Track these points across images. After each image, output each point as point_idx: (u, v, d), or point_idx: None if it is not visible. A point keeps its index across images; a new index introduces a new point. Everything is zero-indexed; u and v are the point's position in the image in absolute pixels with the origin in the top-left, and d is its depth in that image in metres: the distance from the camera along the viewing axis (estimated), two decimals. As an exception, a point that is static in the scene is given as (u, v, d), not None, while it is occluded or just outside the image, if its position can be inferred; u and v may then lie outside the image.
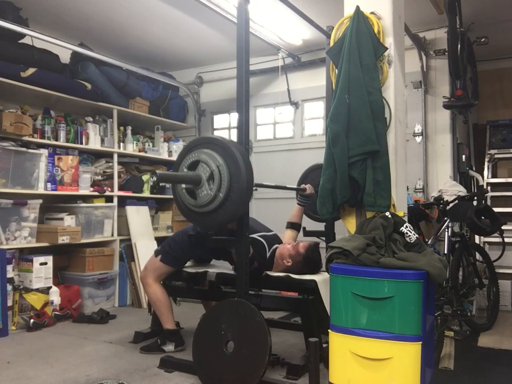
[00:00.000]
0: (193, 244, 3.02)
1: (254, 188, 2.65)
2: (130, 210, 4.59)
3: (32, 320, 3.53)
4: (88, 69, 4.36)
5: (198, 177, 2.41)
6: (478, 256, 3.87)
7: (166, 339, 3.01)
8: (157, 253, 3.10)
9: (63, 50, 4.17)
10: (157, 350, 2.99)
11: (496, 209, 3.81)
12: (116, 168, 4.54)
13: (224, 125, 5.56)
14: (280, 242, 3.15)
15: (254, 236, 2.91)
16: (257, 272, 2.80)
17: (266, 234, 3.11)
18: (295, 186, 3.51)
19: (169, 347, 2.99)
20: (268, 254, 2.98)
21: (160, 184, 4.98)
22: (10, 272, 3.53)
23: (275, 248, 3.04)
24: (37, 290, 3.64)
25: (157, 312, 3.10)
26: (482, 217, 3.62)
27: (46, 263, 3.74)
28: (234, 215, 2.44)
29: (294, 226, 3.34)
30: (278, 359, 2.55)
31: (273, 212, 4.62)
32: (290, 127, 5.09)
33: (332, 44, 2.56)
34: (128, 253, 4.51)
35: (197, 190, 2.43)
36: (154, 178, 2.26)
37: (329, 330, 2.07)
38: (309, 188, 3.41)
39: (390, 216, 2.19)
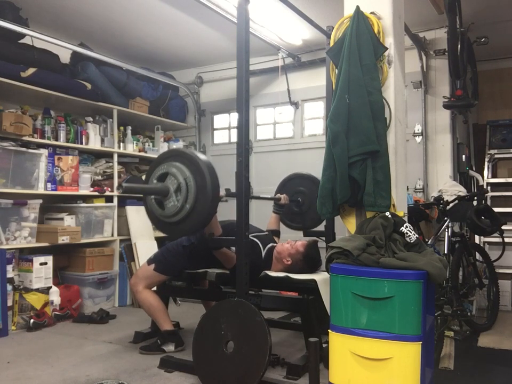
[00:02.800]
0: (188, 254, 3.05)
1: (224, 199, 2.74)
2: (130, 210, 4.59)
3: (32, 320, 3.53)
4: (88, 69, 4.36)
5: (165, 188, 2.53)
6: (478, 256, 3.87)
7: (166, 339, 3.01)
8: (150, 262, 3.10)
9: (63, 50, 4.17)
10: (157, 350, 2.99)
11: (496, 209, 3.81)
12: (116, 168, 4.54)
13: (224, 125, 5.56)
14: (274, 241, 3.18)
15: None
16: (254, 272, 2.80)
17: (259, 234, 3.14)
18: (270, 196, 3.64)
19: (170, 347, 2.99)
20: (264, 253, 3.00)
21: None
22: (10, 272, 3.53)
23: (270, 247, 3.06)
24: (37, 290, 3.64)
25: (152, 317, 3.11)
26: (482, 217, 3.62)
27: (46, 263, 3.74)
28: (200, 225, 2.57)
29: (275, 233, 3.45)
30: (278, 359, 2.56)
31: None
32: (290, 127, 5.09)
33: (331, 43, 2.56)
34: (128, 253, 4.51)
35: (165, 201, 2.55)
36: (120, 190, 2.32)
37: (329, 330, 2.07)
38: (283, 197, 3.57)
39: (390, 216, 2.19)
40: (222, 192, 2.75)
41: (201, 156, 2.56)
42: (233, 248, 2.69)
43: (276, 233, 3.48)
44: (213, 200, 2.47)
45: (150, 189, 2.61)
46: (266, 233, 3.27)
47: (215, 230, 2.74)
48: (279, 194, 3.62)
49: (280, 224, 3.62)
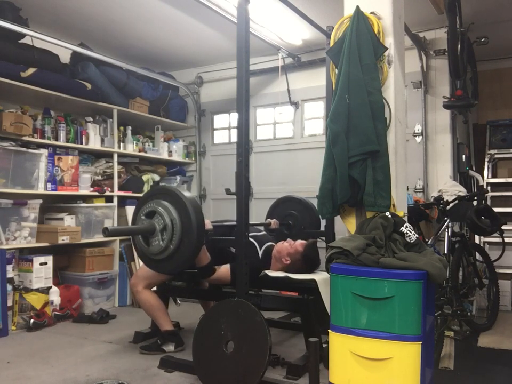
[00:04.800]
0: None
1: (211, 233, 2.84)
2: (130, 210, 4.58)
3: (32, 320, 3.53)
4: (88, 69, 4.36)
5: (152, 227, 2.60)
6: (478, 256, 3.87)
7: (166, 340, 3.01)
8: None
9: (63, 50, 4.17)
10: (157, 350, 2.99)
11: (496, 209, 3.81)
12: (116, 168, 4.54)
13: (224, 125, 5.56)
14: (271, 241, 3.18)
15: None
16: (252, 272, 2.79)
17: (256, 234, 3.14)
18: (260, 222, 3.71)
19: (170, 347, 3.00)
20: (261, 253, 3.00)
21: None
22: (10, 272, 3.53)
23: (268, 246, 3.05)
24: (37, 290, 3.64)
25: (152, 317, 3.11)
26: (482, 217, 3.62)
27: (46, 263, 3.74)
28: (183, 265, 2.64)
29: None
30: (278, 359, 2.56)
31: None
32: (290, 127, 5.09)
33: (331, 43, 2.56)
34: (128, 253, 4.50)
35: (150, 238, 2.62)
36: (106, 233, 2.36)
37: (329, 330, 2.07)
38: (273, 223, 3.67)
39: (390, 216, 2.19)
40: (209, 226, 2.81)
41: (188, 195, 2.63)
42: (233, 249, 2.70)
43: None
44: (197, 241, 2.55)
45: (136, 230, 2.70)
46: (264, 233, 3.27)
47: (202, 260, 2.79)
48: (269, 220, 3.71)
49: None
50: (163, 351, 2.98)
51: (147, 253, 2.66)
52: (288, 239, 3.08)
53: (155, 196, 2.70)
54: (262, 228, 3.32)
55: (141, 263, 3.55)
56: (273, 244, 3.12)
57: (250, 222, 3.51)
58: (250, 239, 2.97)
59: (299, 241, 3.02)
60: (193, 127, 5.60)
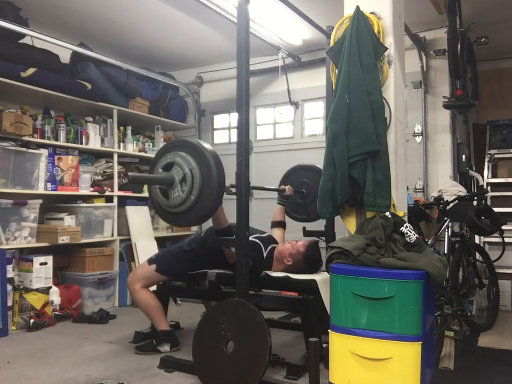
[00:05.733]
0: (189, 259, 3.06)
1: (230, 192, 2.74)
2: (130, 210, 4.59)
3: (32, 320, 3.53)
4: (88, 69, 4.36)
5: (171, 178, 2.51)
6: (478, 256, 3.87)
7: (162, 340, 3.01)
8: (151, 262, 3.11)
9: (63, 50, 4.17)
10: (152, 350, 2.99)
11: (496, 209, 3.81)
12: (116, 168, 4.53)
13: (224, 125, 5.56)
14: (275, 242, 3.19)
15: (250, 238, 2.92)
16: (255, 272, 2.80)
17: (261, 235, 3.15)
18: (275, 187, 3.62)
19: (165, 347, 2.99)
20: (265, 254, 3.01)
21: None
22: (10, 272, 3.53)
23: (271, 248, 3.06)
24: (37, 290, 3.64)
25: (148, 316, 3.10)
26: (482, 217, 3.62)
27: (46, 263, 3.74)
28: (203, 218, 2.56)
29: (280, 224, 3.49)
30: (278, 359, 2.55)
31: (273, 212, 4.61)
32: (290, 127, 5.09)
33: (331, 43, 2.56)
34: (128, 253, 4.51)
35: (169, 191, 2.53)
36: (126, 180, 2.32)
37: (329, 330, 2.07)
38: (288, 189, 3.56)
39: (390, 216, 2.19)
40: (227, 183, 2.71)
41: (208, 147, 2.53)
42: (233, 249, 2.70)
43: (282, 224, 3.49)
44: (218, 192, 2.44)
45: (156, 179, 2.59)
46: (268, 234, 3.28)
47: (222, 221, 2.72)
48: (283, 186, 3.60)
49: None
50: (158, 351, 2.97)
51: (166, 206, 2.57)
52: (290, 240, 3.08)
53: (172, 149, 2.59)
54: (261, 232, 3.30)
55: (141, 262, 3.56)
56: (276, 246, 3.12)
57: (265, 186, 3.54)
58: (255, 239, 3.00)
59: (301, 242, 3.02)
60: (193, 127, 5.60)
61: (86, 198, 4.32)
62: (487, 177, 4.84)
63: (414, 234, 2.17)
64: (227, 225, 2.75)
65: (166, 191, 2.55)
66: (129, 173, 2.44)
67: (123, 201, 4.59)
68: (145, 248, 4.47)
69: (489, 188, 4.76)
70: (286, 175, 3.85)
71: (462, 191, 3.99)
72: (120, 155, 4.64)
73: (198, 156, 2.47)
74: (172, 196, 2.52)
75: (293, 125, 5.06)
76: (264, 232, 3.30)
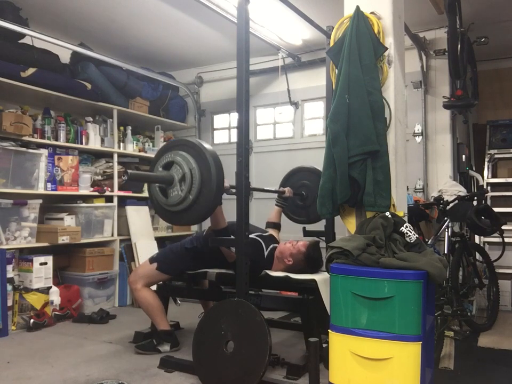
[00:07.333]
0: (191, 256, 3.07)
1: (230, 191, 2.74)
2: (130, 210, 4.59)
3: (32, 320, 3.53)
4: (88, 69, 4.36)
5: (170, 177, 2.53)
6: (478, 256, 3.87)
7: (162, 339, 3.01)
8: (152, 260, 3.11)
9: (63, 50, 4.17)
10: (152, 350, 2.99)
11: (496, 209, 3.81)
12: (116, 168, 4.54)
13: (224, 125, 5.56)
14: (276, 242, 3.19)
15: (251, 235, 2.92)
16: (256, 271, 2.80)
17: (262, 234, 3.15)
18: (274, 189, 3.62)
19: (165, 347, 2.99)
20: (266, 253, 3.01)
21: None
22: (10, 272, 3.53)
23: (272, 248, 3.06)
24: (37, 290, 3.64)
25: (149, 315, 3.10)
26: (482, 217, 3.62)
27: (46, 263, 3.74)
28: (201, 217, 2.58)
29: (276, 226, 3.49)
30: (278, 359, 2.55)
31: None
32: (290, 127, 5.09)
33: (331, 43, 2.56)
34: (128, 253, 4.51)
35: (168, 189, 2.55)
36: (126, 177, 2.33)
37: (329, 330, 2.07)
38: (287, 191, 3.57)
39: (390, 216, 2.19)
40: (227, 184, 2.73)
41: (208, 147, 2.54)
42: (233, 248, 2.70)
43: (277, 226, 3.50)
44: (216, 193, 2.46)
45: (155, 177, 2.62)
46: (269, 233, 3.28)
47: (220, 222, 2.75)
48: (282, 188, 3.62)
49: (281, 221, 3.61)
50: (158, 351, 2.97)
51: (165, 205, 2.59)
52: (291, 240, 3.08)
53: (173, 148, 2.61)
54: (263, 230, 3.30)
55: (141, 261, 3.56)
56: (277, 245, 3.12)
57: (265, 188, 3.55)
58: (257, 238, 3.01)
59: (302, 242, 3.02)
60: (193, 127, 5.60)
61: (86, 198, 4.32)
62: (487, 177, 4.84)
63: (414, 234, 2.17)
64: (225, 226, 2.77)
65: (165, 190, 2.57)
66: (129, 170, 2.45)
67: (123, 201, 4.59)
68: (145, 248, 4.47)
69: (489, 188, 4.76)
70: (287, 177, 3.85)
71: (462, 191, 4.00)
72: (120, 155, 4.64)
73: (198, 156, 2.49)
74: (170, 194, 2.55)
75: (293, 125, 5.06)
76: (266, 231, 3.30)
